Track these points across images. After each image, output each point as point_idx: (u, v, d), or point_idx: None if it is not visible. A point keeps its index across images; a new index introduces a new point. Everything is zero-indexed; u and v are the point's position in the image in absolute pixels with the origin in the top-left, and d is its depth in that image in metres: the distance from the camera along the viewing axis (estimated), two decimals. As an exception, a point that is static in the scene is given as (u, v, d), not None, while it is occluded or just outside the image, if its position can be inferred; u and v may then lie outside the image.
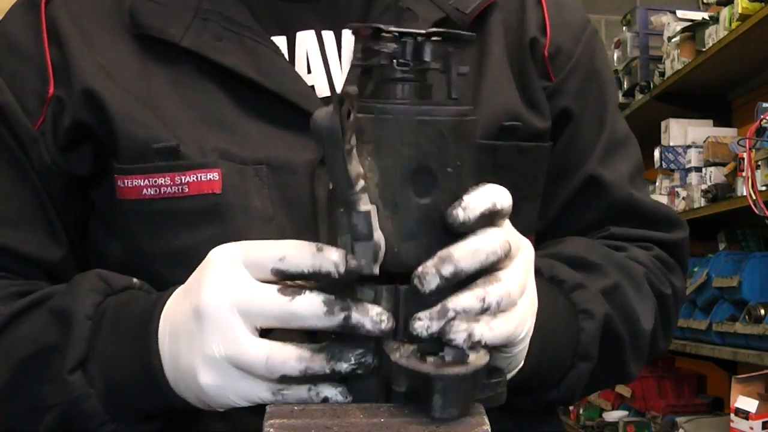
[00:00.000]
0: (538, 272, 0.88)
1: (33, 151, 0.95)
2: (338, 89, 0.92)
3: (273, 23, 0.98)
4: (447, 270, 0.69)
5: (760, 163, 2.97)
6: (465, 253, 0.70)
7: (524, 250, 0.78)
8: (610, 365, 0.96)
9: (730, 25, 3.28)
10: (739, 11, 3.18)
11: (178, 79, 0.94)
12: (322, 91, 0.96)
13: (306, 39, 0.98)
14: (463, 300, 0.70)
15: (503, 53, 1.01)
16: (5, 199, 0.97)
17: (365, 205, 0.68)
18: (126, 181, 0.91)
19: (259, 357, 0.71)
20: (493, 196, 0.73)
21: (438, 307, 0.69)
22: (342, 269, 0.68)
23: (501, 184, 0.94)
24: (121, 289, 0.88)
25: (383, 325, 0.68)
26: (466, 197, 0.71)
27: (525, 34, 1.02)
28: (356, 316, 0.69)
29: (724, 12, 3.34)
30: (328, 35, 0.98)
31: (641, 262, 1.02)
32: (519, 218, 0.94)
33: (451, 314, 0.69)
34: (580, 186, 1.04)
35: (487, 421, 0.69)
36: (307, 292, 0.70)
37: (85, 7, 0.98)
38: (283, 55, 0.96)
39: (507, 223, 0.76)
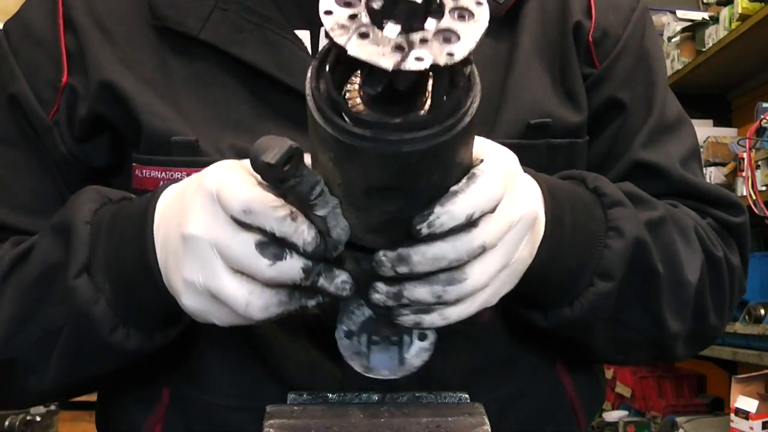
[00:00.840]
0: (584, 181, 0.87)
1: (48, 140, 0.94)
2: None
3: (297, 15, 0.94)
4: (402, 269, 0.68)
5: (760, 163, 2.97)
6: (424, 259, 0.67)
7: (518, 226, 0.72)
8: (641, 306, 0.88)
9: (730, 25, 3.28)
10: (739, 11, 3.18)
11: (197, 74, 0.92)
12: None
13: None
14: (419, 293, 0.68)
15: (535, 44, 0.95)
16: (23, 186, 0.95)
17: (322, 209, 0.67)
18: (144, 171, 0.90)
19: (238, 301, 0.70)
20: (471, 205, 0.67)
21: (395, 288, 0.69)
22: (309, 249, 0.68)
23: None
24: (118, 200, 0.86)
25: (344, 293, 0.70)
26: (437, 209, 0.66)
27: (568, 18, 0.97)
28: (322, 282, 0.69)
29: (724, 12, 3.34)
30: None
31: (693, 218, 0.95)
32: None
33: (404, 301, 0.68)
34: (626, 171, 0.97)
35: (486, 420, 0.69)
36: (288, 257, 0.68)
37: None
38: (306, 49, 0.92)
39: (501, 209, 0.69)
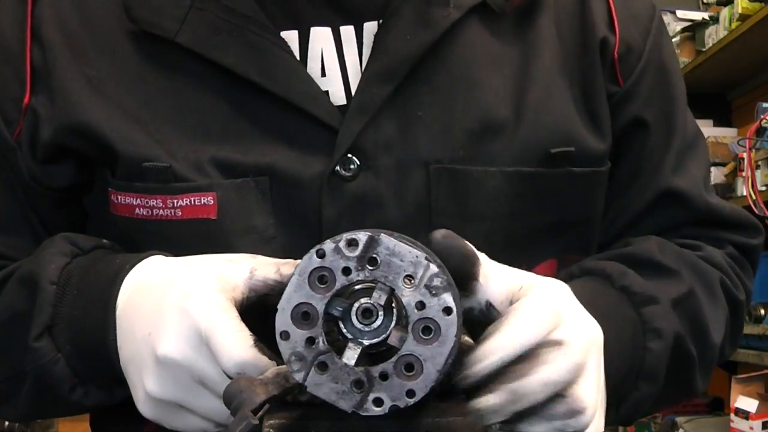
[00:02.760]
0: (609, 279, 0.82)
1: (12, 161, 0.88)
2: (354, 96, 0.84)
3: (283, 15, 0.85)
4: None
5: (760, 163, 2.97)
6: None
7: (594, 349, 0.68)
8: (677, 384, 0.86)
9: (730, 25, 3.28)
10: (739, 11, 3.18)
11: (176, 81, 0.85)
12: (337, 98, 0.84)
13: (321, 36, 0.85)
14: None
15: (556, 58, 0.87)
16: None
17: (305, 396, 0.64)
18: (119, 197, 0.85)
19: (225, 419, 0.69)
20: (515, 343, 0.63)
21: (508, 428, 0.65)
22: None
23: (545, 210, 0.84)
24: (90, 249, 0.83)
25: None
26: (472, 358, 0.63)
27: (592, 33, 0.88)
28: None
29: (724, 12, 3.34)
30: (347, 31, 0.85)
31: (717, 265, 0.92)
32: (569, 243, 0.88)
33: None
34: (654, 199, 0.92)
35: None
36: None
37: (76, 6, 0.88)
38: (291, 51, 0.84)
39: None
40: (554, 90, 0.86)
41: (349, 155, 0.82)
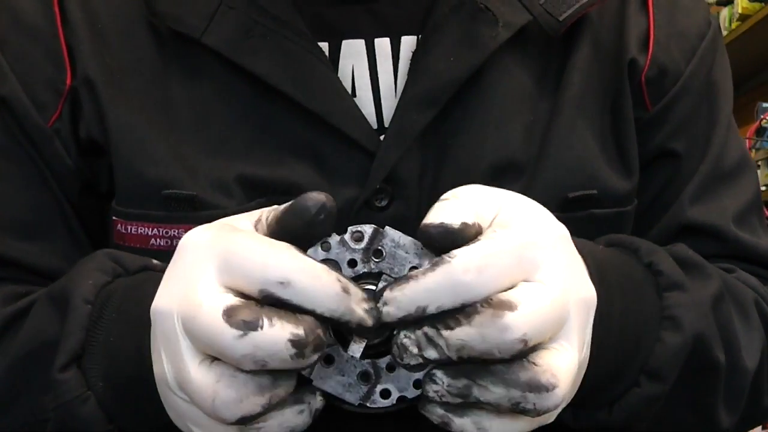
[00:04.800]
0: (636, 253, 0.70)
1: (47, 150, 0.77)
2: (386, 120, 0.76)
3: (314, 24, 0.76)
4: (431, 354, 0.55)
5: (760, 163, 2.97)
6: (449, 345, 0.53)
7: (581, 308, 0.56)
8: (693, 405, 0.72)
9: (730, 25, 3.28)
10: (739, 11, 3.18)
11: (199, 87, 0.76)
12: (369, 120, 0.75)
13: (353, 50, 0.76)
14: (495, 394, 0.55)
15: (586, 86, 0.78)
16: (18, 205, 0.79)
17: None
18: (129, 227, 0.75)
19: (204, 395, 0.52)
20: (425, 295, 0.53)
21: (461, 382, 0.55)
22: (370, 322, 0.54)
23: None
24: (136, 270, 0.69)
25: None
26: (385, 294, 0.54)
27: (623, 54, 0.79)
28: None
29: (724, 12, 3.34)
30: (383, 44, 0.77)
31: (752, 287, 0.79)
32: None
33: (471, 399, 0.55)
34: (671, 234, 0.82)
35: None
36: (266, 325, 0.50)
37: None
38: (329, 64, 0.74)
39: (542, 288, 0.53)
40: (578, 123, 0.77)
41: (384, 184, 0.74)
